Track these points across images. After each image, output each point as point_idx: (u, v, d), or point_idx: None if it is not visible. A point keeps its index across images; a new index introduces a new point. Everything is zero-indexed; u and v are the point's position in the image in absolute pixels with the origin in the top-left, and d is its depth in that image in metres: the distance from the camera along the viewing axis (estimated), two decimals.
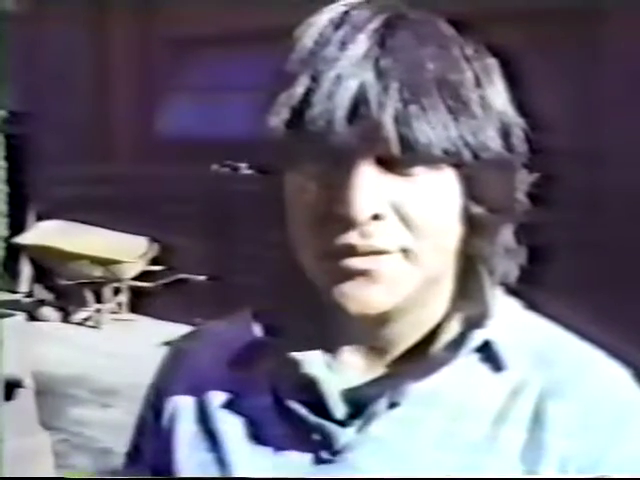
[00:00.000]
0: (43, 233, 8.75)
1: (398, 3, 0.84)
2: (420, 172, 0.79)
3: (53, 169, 9.20)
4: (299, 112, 0.78)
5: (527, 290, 0.92)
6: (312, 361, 0.87)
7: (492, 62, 0.84)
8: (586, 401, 0.84)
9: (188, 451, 0.92)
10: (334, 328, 0.89)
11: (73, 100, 9.69)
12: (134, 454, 1.02)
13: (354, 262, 0.79)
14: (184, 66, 9.17)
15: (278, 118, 0.79)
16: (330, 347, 0.89)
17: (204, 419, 0.93)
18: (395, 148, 0.77)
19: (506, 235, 0.87)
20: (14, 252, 9.69)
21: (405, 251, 0.80)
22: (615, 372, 0.88)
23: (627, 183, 6.24)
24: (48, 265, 8.89)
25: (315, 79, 0.78)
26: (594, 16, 6.56)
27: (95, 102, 9.79)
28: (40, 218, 9.38)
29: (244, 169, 7.66)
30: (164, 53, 9.30)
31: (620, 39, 6.49)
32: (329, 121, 0.77)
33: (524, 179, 0.86)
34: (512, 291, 0.91)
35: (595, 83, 6.69)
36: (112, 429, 5.49)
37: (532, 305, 0.93)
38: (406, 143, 0.77)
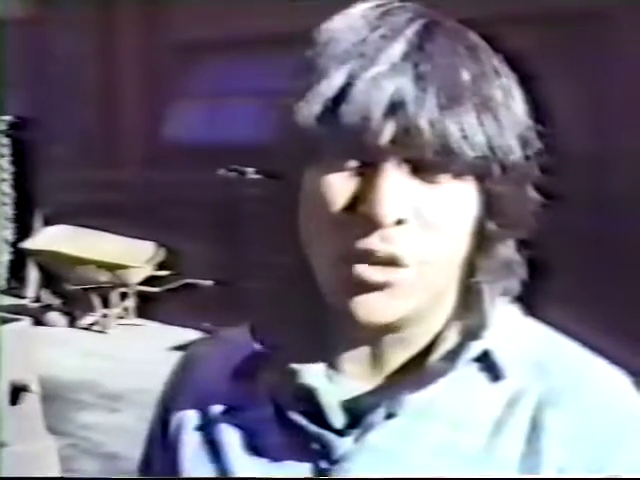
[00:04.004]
0: (50, 238, 8.77)
1: (428, 9, 0.84)
2: (445, 180, 0.79)
3: (60, 174, 9.22)
4: (332, 107, 0.78)
5: (527, 296, 0.91)
6: (311, 371, 0.87)
7: (511, 74, 0.85)
8: (584, 410, 0.84)
9: (192, 463, 0.93)
10: (335, 336, 0.89)
11: (81, 105, 9.71)
12: (145, 467, 1.02)
13: (370, 272, 0.79)
14: (192, 71, 9.18)
15: (309, 110, 0.79)
16: (329, 357, 0.89)
17: (207, 431, 0.93)
18: (429, 152, 0.77)
19: (504, 249, 0.86)
20: (21, 257, 9.71)
21: (421, 265, 0.80)
22: (615, 380, 0.87)
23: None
24: (55, 270, 8.90)
25: (352, 77, 0.78)
26: (604, 18, 6.56)
27: (103, 107, 9.81)
28: (47, 223, 9.39)
29: (251, 174, 7.67)
30: (172, 58, 9.31)
31: (631, 41, 6.48)
32: (365, 118, 0.77)
33: (534, 197, 0.86)
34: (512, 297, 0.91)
35: (606, 85, 6.69)
36: (119, 433, 5.50)
37: (531, 311, 0.92)
38: (440, 148, 0.77)
